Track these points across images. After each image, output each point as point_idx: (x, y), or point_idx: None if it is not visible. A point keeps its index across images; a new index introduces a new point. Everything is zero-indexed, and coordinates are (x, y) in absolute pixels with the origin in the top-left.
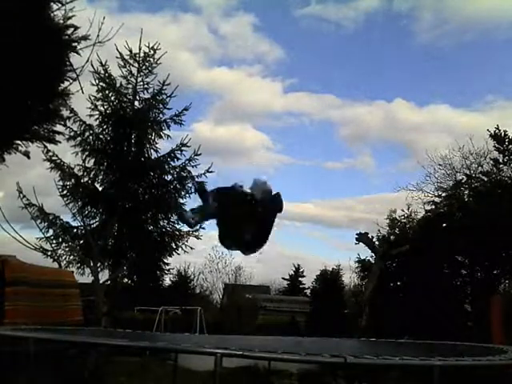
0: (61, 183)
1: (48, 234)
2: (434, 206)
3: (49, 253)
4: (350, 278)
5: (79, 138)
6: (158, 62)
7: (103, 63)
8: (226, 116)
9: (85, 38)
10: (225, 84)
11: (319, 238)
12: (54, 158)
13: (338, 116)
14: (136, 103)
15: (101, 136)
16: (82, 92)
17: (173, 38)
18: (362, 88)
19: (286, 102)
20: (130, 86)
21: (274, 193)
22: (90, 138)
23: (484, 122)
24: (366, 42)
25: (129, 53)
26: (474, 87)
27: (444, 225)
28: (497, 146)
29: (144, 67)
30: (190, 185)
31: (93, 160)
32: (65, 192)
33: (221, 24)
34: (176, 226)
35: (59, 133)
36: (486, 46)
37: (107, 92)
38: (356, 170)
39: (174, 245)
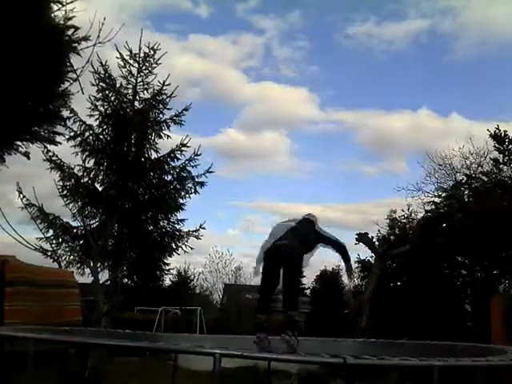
0: (61, 183)
1: (48, 235)
2: (433, 206)
3: (49, 253)
4: None
5: (79, 138)
6: (158, 62)
7: (103, 63)
8: (260, 124)
9: (85, 38)
10: (266, 95)
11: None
12: (53, 158)
13: (368, 124)
14: (136, 103)
15: (101, 136)
16: (83, 93)
17: (229, 58)
18: (395, 100)
19: (321, 112)
20: (130, 86)
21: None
22: (90, 138)
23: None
24: (409, 59)
25: (129, 53)
26: (501, 99)
27: (444, 225)
28: (497, 145)
29: (144, 67)
30: (189, 185)
31: (93, 160)
32: (65, 192)
33: (277, 47)
34: (176, 226)
35: (59, 134)
36: None
37: (107, 92)
38: (384, 176)
39: (174, 245)
